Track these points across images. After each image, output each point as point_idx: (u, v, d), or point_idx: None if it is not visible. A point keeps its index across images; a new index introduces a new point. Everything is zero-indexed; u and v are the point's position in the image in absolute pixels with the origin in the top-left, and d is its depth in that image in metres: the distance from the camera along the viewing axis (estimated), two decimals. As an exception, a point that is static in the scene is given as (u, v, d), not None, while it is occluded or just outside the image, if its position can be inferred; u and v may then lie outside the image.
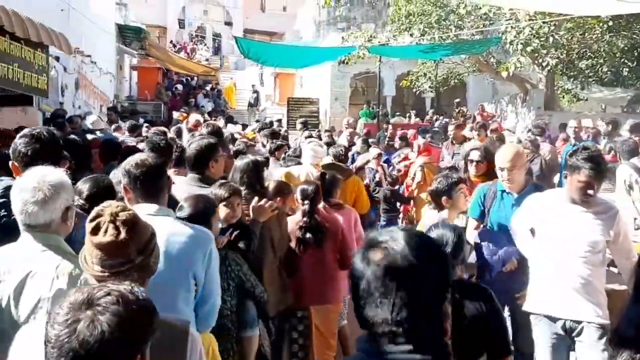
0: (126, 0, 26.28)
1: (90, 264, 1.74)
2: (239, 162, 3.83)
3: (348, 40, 15.77)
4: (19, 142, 2.72)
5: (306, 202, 3.79)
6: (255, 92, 24.12)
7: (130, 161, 2.45)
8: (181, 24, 38.42)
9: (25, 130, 2.79)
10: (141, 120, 11.78)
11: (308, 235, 3.74)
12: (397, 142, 10.30)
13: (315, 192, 3.83)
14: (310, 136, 8.36)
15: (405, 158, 9.01)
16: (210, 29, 38.64)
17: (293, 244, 3.78)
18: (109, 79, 18.95)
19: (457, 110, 17.40)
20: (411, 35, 14.21)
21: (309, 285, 3.81)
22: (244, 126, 12.02)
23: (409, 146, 9.75)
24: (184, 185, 3.53)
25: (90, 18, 14.95)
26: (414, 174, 8.23)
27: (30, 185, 2.03)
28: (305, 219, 3.77)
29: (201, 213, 2.81)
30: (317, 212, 3.84)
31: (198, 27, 38.64)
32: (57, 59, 12.11)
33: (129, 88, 25.50)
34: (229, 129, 8.16)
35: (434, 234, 2.50)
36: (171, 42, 35.97)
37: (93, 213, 1.78)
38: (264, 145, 7.66)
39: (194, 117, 11.44)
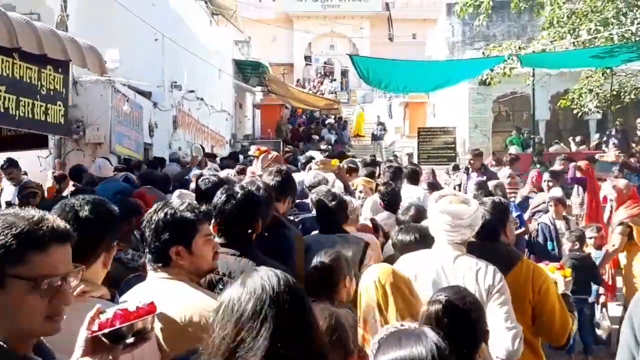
0: (250, 39, 25.65)
1: None
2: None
3: (491, 54, 12.81)
4: None
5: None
6: (381, 123, 21.73)
7: None
8: (308, 59, 37.63)
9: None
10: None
11: None
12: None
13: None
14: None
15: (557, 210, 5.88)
16: (337, 64, 37.43)
17: None
18: (225, 117, 17.69)
19: (640, 134, 13.46)
20: (576, 37, 10.91)
21: None
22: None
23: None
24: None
25: (198, 53, 13.61)
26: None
27: None
28: None
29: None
30: None
31: (325, 62, 37.56)
32: (149, 94, 10.68)
33: (252, 127, 24.54)
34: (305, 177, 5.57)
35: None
36: (298, 80, 35.24)
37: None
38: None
39: (313, 153, 9.29)
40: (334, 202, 3.70)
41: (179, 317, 1.99)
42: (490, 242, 2.83)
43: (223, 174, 5.32)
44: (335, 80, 35.34)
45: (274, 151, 6.06)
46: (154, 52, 11.09)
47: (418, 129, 18.07)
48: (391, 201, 4.92)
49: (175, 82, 11.64)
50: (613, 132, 14.08)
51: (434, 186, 6.51)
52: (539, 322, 2.73)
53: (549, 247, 5.34)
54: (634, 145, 13.43)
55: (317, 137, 22.19)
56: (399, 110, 24.94)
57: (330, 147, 18.58)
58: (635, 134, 13.92)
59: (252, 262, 2.50)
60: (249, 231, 2.64)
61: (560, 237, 5.48)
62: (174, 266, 2.13)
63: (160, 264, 2.12)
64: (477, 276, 2.51)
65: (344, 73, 36.57)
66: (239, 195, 2.62)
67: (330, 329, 1.47)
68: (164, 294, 2.00)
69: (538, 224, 5.46)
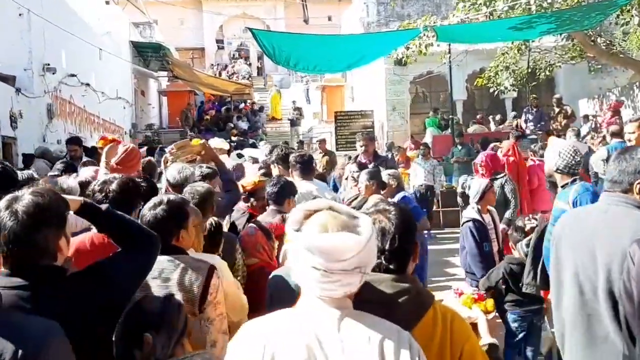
0: (157, 22, 23.76)
1: None
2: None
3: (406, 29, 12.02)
4: None
5: None
6: (297, 108, 20.65)
7: None
8: (220, 43, 35.80)
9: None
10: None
11: None
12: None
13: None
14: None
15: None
16: (252, 47, 35.83)
17: None
18: (122, 105, 15.94)
19: (557, 110, 13.13)
20: (493, 8, 10.27)
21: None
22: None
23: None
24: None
25: (80, 32, 11.88)
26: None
27: None
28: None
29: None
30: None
31: (239, 46, 35.84)
32: (13, 79, 8.98)
33: (159, 115, 22.71)
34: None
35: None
36: (211, 65, 33.43)
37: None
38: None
39: (215, 141, 8.17)
40: (161, 208, 2.46)
41: None
42: (394, 274, 1.68)
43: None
44: (250, 63, 33.77)
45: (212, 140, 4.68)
46: (18, 30, 9.35)
47: (335, 113, 17.24)
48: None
49: (49, 65, 9.93)
50: (529, 110, 13.76)
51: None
52: None
53: (485, 248, 4.41)
54: (552, 121, 13.15)
55: (231, 125, 20.79)
56: (317, 94, 24.01)
57: (241, 138, 17.35)
58: (551, 111, 13.65)
59: None
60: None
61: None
62: None
63: None
64: (382, 355, 1.39)
65: (260, 57, 35.05)
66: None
67: None
68: None
69: (466, 221, 4.52)
